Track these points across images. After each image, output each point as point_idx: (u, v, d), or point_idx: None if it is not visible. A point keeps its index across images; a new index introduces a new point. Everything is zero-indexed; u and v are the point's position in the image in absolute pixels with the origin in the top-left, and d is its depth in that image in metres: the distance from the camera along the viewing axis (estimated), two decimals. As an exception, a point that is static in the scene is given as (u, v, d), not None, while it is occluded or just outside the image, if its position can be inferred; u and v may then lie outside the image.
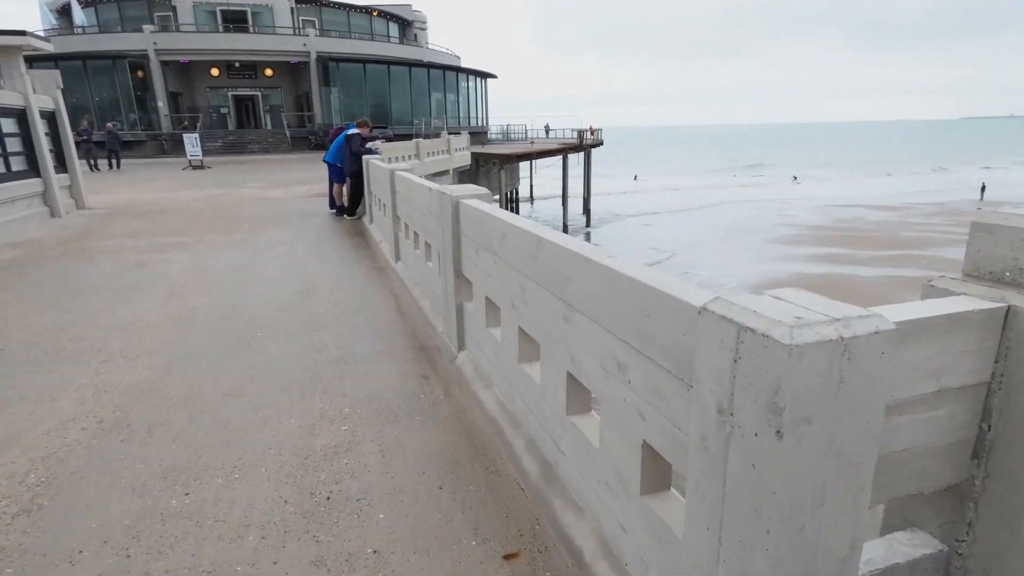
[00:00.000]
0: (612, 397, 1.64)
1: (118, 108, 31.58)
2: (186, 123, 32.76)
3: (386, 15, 43.37)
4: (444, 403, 3.02)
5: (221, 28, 34.32)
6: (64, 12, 35.51)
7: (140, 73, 31.79)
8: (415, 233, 4.93)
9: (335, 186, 9.41)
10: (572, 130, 42.44)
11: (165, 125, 31.86)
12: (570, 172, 35.34)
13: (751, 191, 45.61)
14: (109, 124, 21.06)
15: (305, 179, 14.94)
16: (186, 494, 2.25)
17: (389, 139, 24.33)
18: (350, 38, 38.19)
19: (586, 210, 35.05)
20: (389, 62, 35.87)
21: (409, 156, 17.42)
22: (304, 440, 2.64)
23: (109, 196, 12.30)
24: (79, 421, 2.83)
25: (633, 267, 1.54)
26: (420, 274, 4.77)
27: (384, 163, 7.15)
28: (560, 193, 35.22)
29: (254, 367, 3.47)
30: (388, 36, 43.02)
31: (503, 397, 2.78)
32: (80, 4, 34.97)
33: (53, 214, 9.10)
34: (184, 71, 33.73)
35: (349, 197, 9.11)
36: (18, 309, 4.63)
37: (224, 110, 35.64)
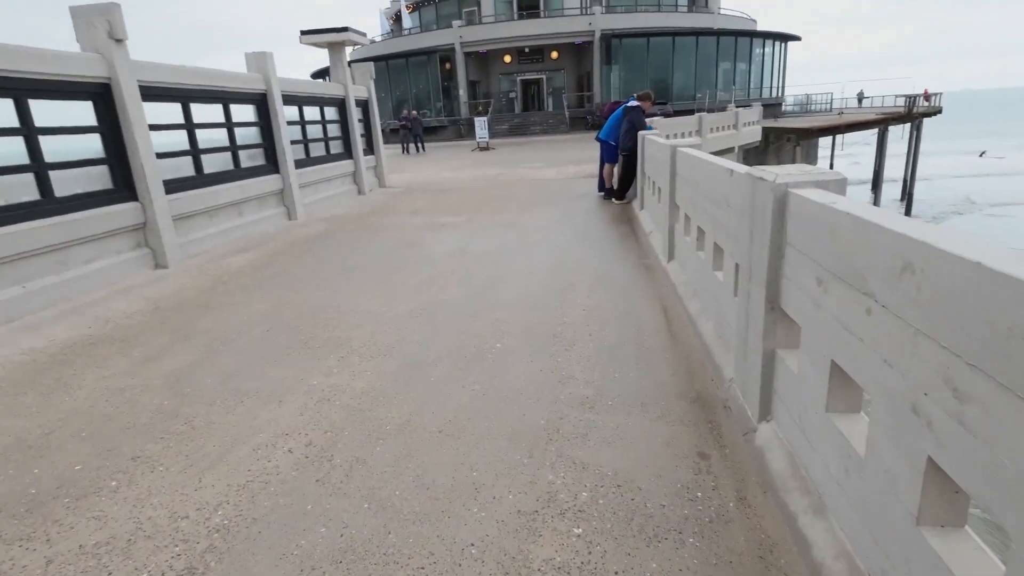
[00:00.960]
0: None
1: (428, 97, 36.18)
2: (480, 108, 35.98)
3: (675, -17, 41.03)
4: (736, 521, 1.87)
5: (516, 16, 36.49)
6: (397, 19, 41.97)
7: (447, 65, 35.72)
8: (698, 229, 3.75)
9: (605, 166, 8.60)
10: (898, 96, 34.79)
11: (463, 111, 35.38)
12: (891, 149, 28.92)
13: None
14: (414, 112, 23.93)
15: (578, 159, 14.60)
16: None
17: (668, 115, 22.81)
18: (636, 11, 37.14)
19: (906, 196, 28.33)
20: (675, 33, 33.86)
21: (690, 132, 15.82)
22: (519, 542, 1.79)
23: (407, 175, 13.63)
24: (290, 438, 2.47)
25: None
26: (701, 284, 3.59)
27: (663, 139, 6.01)
28: (872, 176, 29.10)
29: (484, 394, 2.79)
30: (676, 6, 40.70)
31: (857, 549, 1.52)
32: (407, 9, 40.88)
33: (360, 192, 10.21)
34: (482, 60, 36.89)
35: (620, 178, 8.21)
36: (299, 285, 4.85)
37: (512, 94, 38.13)
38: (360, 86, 10.66)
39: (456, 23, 35.50)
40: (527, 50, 36.24)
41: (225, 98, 6.84)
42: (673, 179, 4.56)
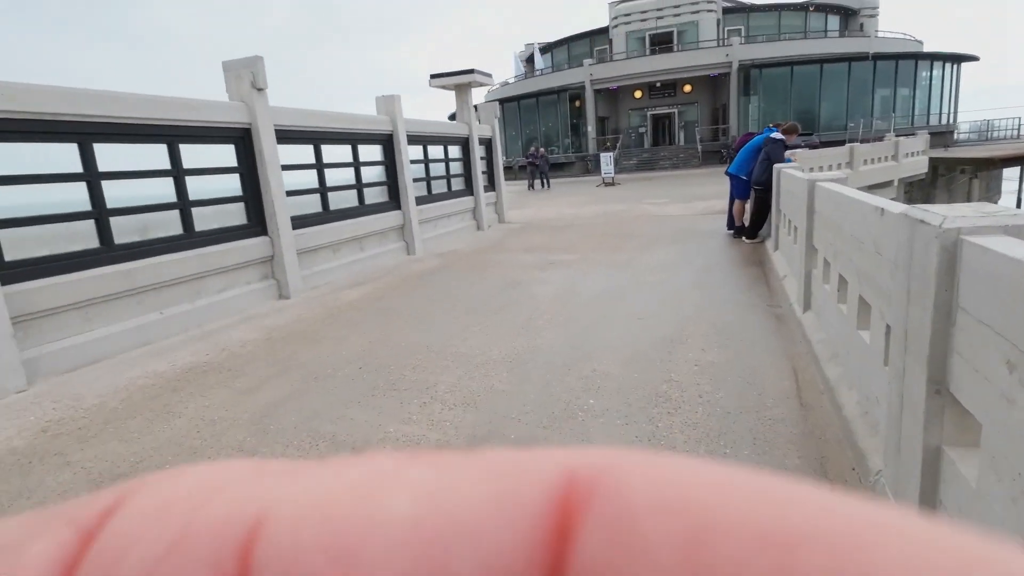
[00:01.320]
0: None
1: (557, 134, 36.79)
2: (607, 143, 35.88)
3: (825, 7, 38.44)
4: None
5: (648, 51, 36.19)
6: (529, 60, 43.55)
7: (577, 103, 36.15)
8: (840, 277, 3.14)
9: (736, 203, 7.91)
10: (1108, 118, 29.42)
11: (591, 147, 35.44)
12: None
13: None
14: (541, 149, 24.28)
15: (707, 194, 13.79)
16: None
17: (814, 146, 21.02)
18: (779, 40, 35.21)
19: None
20: (822, 60, 31.52)
21: (839, 165, 14.37)
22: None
23: (528, 211, 13.68)
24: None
25: None
26: (843, 343, 2.98)
27: (802, 172, 5.33)
28: (1074, 210, 24.54)
29: (564, 462, 2.44)
30: (825, 31, 38.06)
31: None
32: (540, 51, 42.25)
33: (478, 227, 10.34)
34: (612, 96, 36.91)
35: (752, 214, 7.48)
36: (401, 322, 4.83)
37: (642, 129, 37.62)
38: (485, 125, 10.92)
39: (587, 61, 35.96)
40: (658, 84, 35.69)
41: (353, 139, 7.24)
42: (811, 217, 3.94)
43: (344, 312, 5.27)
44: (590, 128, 35.99)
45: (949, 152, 26.78)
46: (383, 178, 7.96)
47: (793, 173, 5.28)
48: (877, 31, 38.49)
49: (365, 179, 7.57)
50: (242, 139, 5.52)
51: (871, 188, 16.72)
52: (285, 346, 4.38)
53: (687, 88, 35.73)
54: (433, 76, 9.68)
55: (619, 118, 38.16)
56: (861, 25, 39.50)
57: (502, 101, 39.96)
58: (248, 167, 5.59)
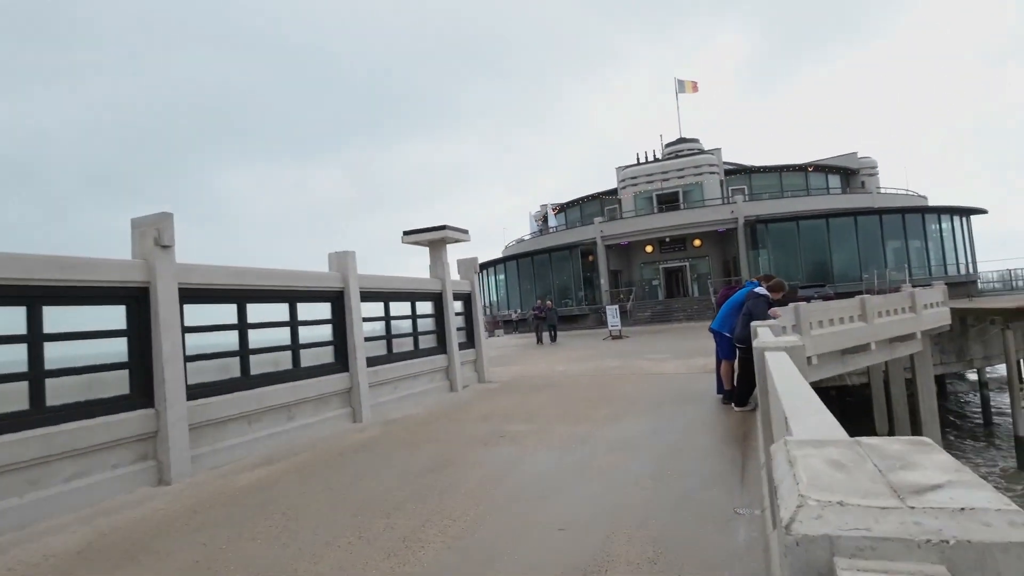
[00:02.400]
0: None
1: (571, 288, 37.03)
2: (622, 296, 35.82)
3: (825, 168, 40.12)
4: None
5: (656, 210, 37.47)
6: (544, 220, 45.55)
7: (590, 258, 36.80)
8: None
9: (723, 363, 6.96)
10: None
11: (605, 299, 35.30)
12: None
13: None
14: (548, 302, 23.94)
15: (710, 349, 12.79)
16: None
17: (828, 298, 20.26)
18: (782, 198, 36.28)
19: None
20: (828, 215, 31.98)
21: (851, 317, 13.45)
22: None
23: (516, 368, 12.80)
24: None
25: None
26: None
27: (771, 333, 4.44)
28: None
29: None
30: (827, 188, 39.30)
31: None
32: (553, 211, 44.29)
33: (452, 388, 9.43)
34: (623, 251, 37.61)
35: (739, 379, 6.48)
36: (265, 525, 3.77)
37: (656, 282, 37.74)
38: (464, 280, 10.50)
39: (597, 219, 37.25)
40: (668, 240, 36.42)
41: (294, 296, 6.71)
42: (763, 394, 2.99)
43: (214, 507, 4.24)
44: (603, 281, 36.21)
45: (974, 303, 25.74)
46: (331, 337, 7.30)
47: (763, 334, 4.40)
48: (879, 188, 39.60)
49: (307, 338, 6.91)
50: (135, 299, 4.96)
51: (891, 342, 15.58)
52: (101, 563, 3.33)
53: (697, 243, 36.35)
54: (406, 233, 9.47)
55: (632, 271, 38.57)
56: (862, 183, 40.81)
57: (518, 257, 41.14)
58: (139, 329, 4.95)
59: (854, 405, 20.09)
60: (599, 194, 43.21)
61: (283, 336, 6.62)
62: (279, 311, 6.57)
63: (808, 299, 16.04)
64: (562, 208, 45.39)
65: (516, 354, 17.62)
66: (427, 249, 9.76)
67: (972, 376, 28.04)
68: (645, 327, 30.26)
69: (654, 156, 41.23)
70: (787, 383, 2.21)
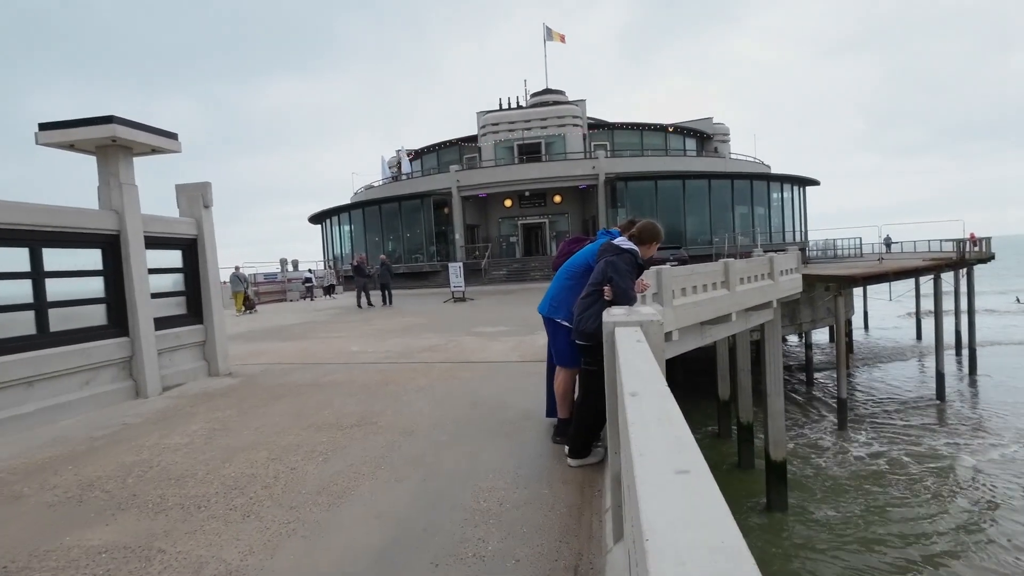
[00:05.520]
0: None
1: (422, 242, 33.47)
2: (477, 252, 33.05)
3: (683, 130, 39.95)
4: None
5: (516, 161, 34.83)
6: (398, 166, 41.05)
7: (445, 210, 33.37)
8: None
9: (557, 373, 4.05)
10: (944, 240, 31.19)
11: (460, 256, 32.27)
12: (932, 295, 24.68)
13: None
14: (382, 256, 20.28)
15: (556, 321, 10.23)
16: None
17: (683, 260, 18.88)
18: (642, 156, 35.36)
19: (963, 351, 23.65)
20: (684, 176, 31.40)
21: (715, 284, 11.54)
22: None
23: (296, 345, 9.28)
24: None
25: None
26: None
27: (628, 313, 1.53)
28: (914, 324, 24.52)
29: None
30: (684, 151, 39.23)
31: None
32: (408, 157, 39.96)
33: (139, 392, 5.73)
34: (481, 204, 34.68)
35: (580, 404, 3.61)
36: None
37: (513, 239, 35.42)
38: (185, 218, 6.66)
39: (454, 167, 33.77)
40: (528, 194, 34.01)
41: None
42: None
43: None
44: (458, 236, 33.05)
45: (809, 268, 26.36)
46: None
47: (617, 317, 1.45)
48: (731, 154, 40.39)
49: None
50: None
51: (747, 311, 14.26)
52: None
53: (557, 199, 34.37)
54: (44, 127, 5.42)
55: (489, 227, 35.82)
56: (716, 148, 41.41)
57: (364, 205, 36.49)
58: None
59: (697, 372, 19.14)
60: (458, 140, 39.60)
61: None
62: None
63: (664, 261, 14.25)
64: (417, 154, 41.18)
65: (323, 321, 13.97)
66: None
67: (792, 338, 29.48)
68: (499, 286, 27.83)
69: (518, 104, 38.36)
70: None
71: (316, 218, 40.97)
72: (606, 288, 3.34)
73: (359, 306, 17.69)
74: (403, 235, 34.37)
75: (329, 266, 36.43)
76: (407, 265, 32.85)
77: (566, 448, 3.59)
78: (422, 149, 41.82)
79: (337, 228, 38.60)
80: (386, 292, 18.89)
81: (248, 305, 20.80)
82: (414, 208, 33.90)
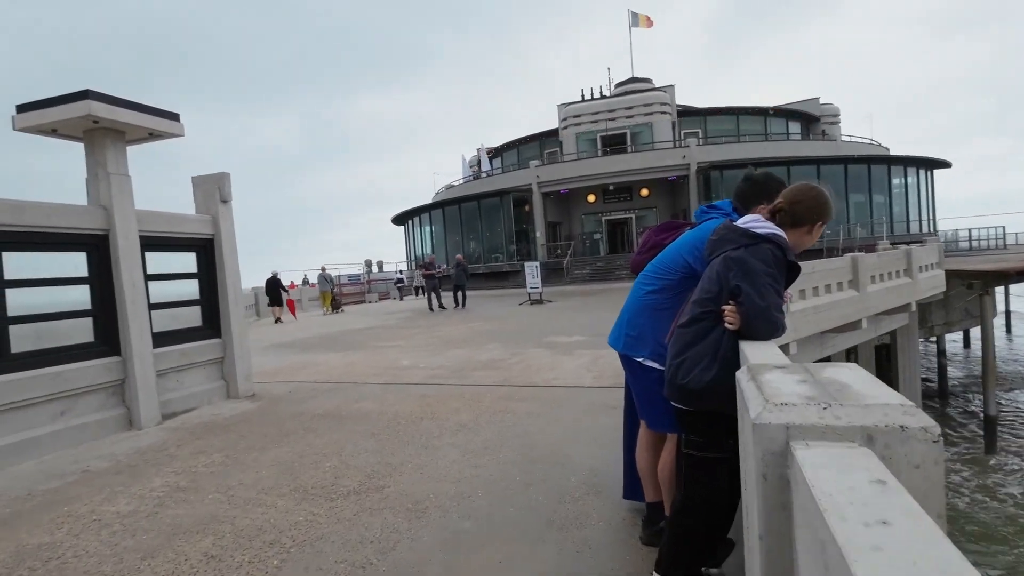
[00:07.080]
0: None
1: (502, 241, 32.41)
2: (559, 251, 31.54)
3: (785, 113, 36.28)
4: None
5: (600, 153, 32.99)
6: (479, 165, 40.32)
7: (526, 207, 32.14)
8: None
9: (642, 435, 2.57)
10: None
11: (541, 255, 30.93)
12: None
13: None
14: (459, 256, 19.24)
15: (642, 330, 8.60)
16: None
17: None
18: (739, 143, 32.34)
19: None
20: (788, 162, 28.21)
21: (840, 284, 9.44)
22: None
23: (347, 357, 8.26)
24: None
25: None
26: None
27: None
28: None
29: None
30: (787, 135, 35.60)
31: None
32: (487, 154, 39.11)
33: (132, 422, 4.81)
34: (563, 200, 33.14)
35: (677, 510, 2.10)
36: None
37: (597, 236, 33.57)
38: (198, 215, 5.74)
39: (534, 163, 32.44)
40: (612, 188, 32.00)
41: None
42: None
43: None
44: (539, 234, 31.69)
45: (952, 264, 22.69)
46: None
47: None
48: (841, 136, 36.23)
49: None
50: None
51: (878, 316, 11.85)
52: None
53: (644, 192, 32.14)
54: (22, 108, 4.61)
55: (572, 224, 34.17)
56: (823, 132, 37.34)
57: (444, 205, 36.01)
58: None
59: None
60: (538, 135, 38.21)
61: None
62: None
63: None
64: (497, 151, 40.26)
65: (390, 326, 13.07)
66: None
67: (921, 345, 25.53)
68: (581, 286, 26.21)
69: (601, 94, 36.43)
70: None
71: (399, 219, 41.10)
72: (727, 308, 1.82)
73: (430, 309, 16.77)
74: (483, 234, 33.48)
75: (412, 267, 36.33)
76: (486, 265, 31.91)
77: (655, 552, 2.09)
78: (502, 146, 40.87)
79: (418, 229, 38.44)
80: (459, 293, 17.84)
81: (335, 305, 20.57)
82: (493, 206, 32.88)
